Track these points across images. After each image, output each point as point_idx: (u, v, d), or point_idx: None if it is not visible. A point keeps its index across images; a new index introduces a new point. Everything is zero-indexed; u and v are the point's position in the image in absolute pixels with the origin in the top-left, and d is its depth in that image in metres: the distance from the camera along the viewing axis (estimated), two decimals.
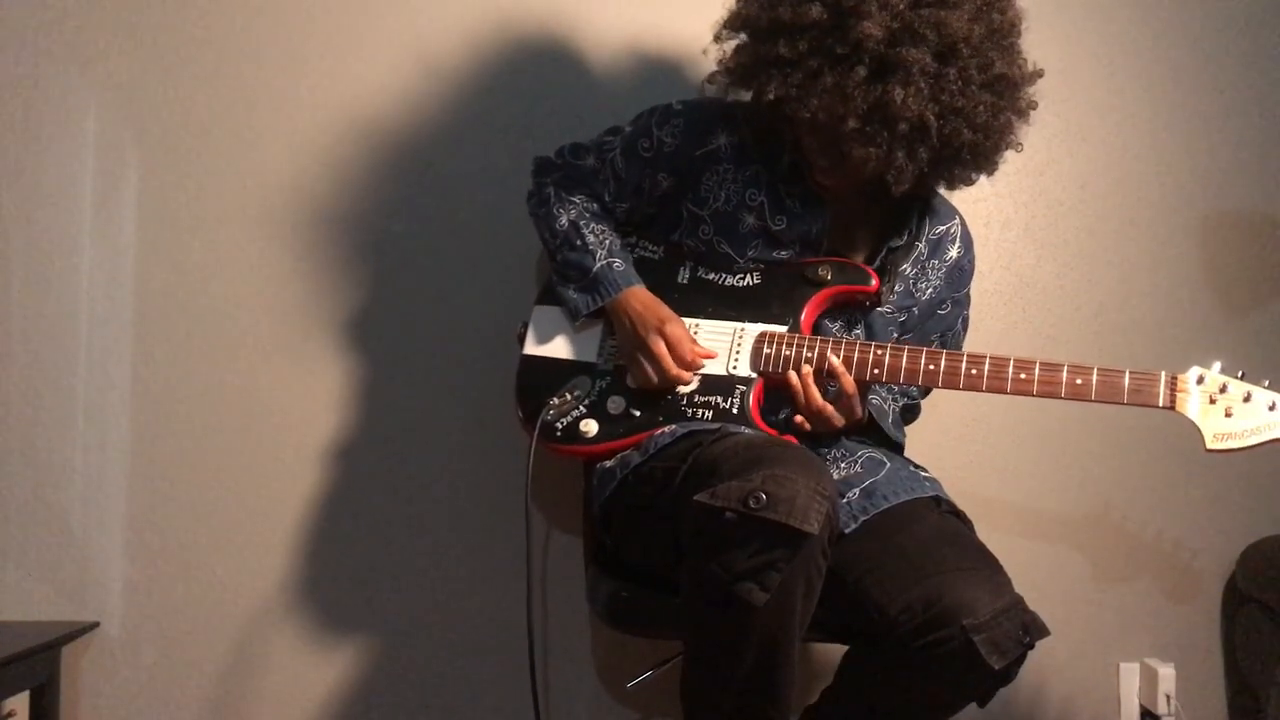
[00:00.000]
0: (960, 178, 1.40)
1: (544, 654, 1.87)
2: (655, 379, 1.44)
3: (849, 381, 1.39)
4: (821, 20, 1.28)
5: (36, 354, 1.81)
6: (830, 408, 1.40)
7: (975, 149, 1.34)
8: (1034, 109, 1.38)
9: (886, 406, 1.54)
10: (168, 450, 1.83)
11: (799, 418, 1.42)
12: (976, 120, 1.31)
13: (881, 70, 1.28)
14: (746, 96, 1.45)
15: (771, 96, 1.32)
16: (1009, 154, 1.89)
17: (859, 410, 1.43)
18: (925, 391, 1.67)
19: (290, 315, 1.85)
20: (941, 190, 1.51)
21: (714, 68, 1.45)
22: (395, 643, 1.86)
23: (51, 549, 1.80)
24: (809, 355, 1.42)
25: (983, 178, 1.43)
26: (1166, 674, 1.93)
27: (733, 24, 1.41)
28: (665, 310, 1.47)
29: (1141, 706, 1.97)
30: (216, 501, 1.83)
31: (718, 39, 1.44)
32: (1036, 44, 1.40)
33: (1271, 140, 2.03)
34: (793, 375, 1.41)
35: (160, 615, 1.82)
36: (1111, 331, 2.00)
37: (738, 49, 1.40)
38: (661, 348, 1.43)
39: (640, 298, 1.48)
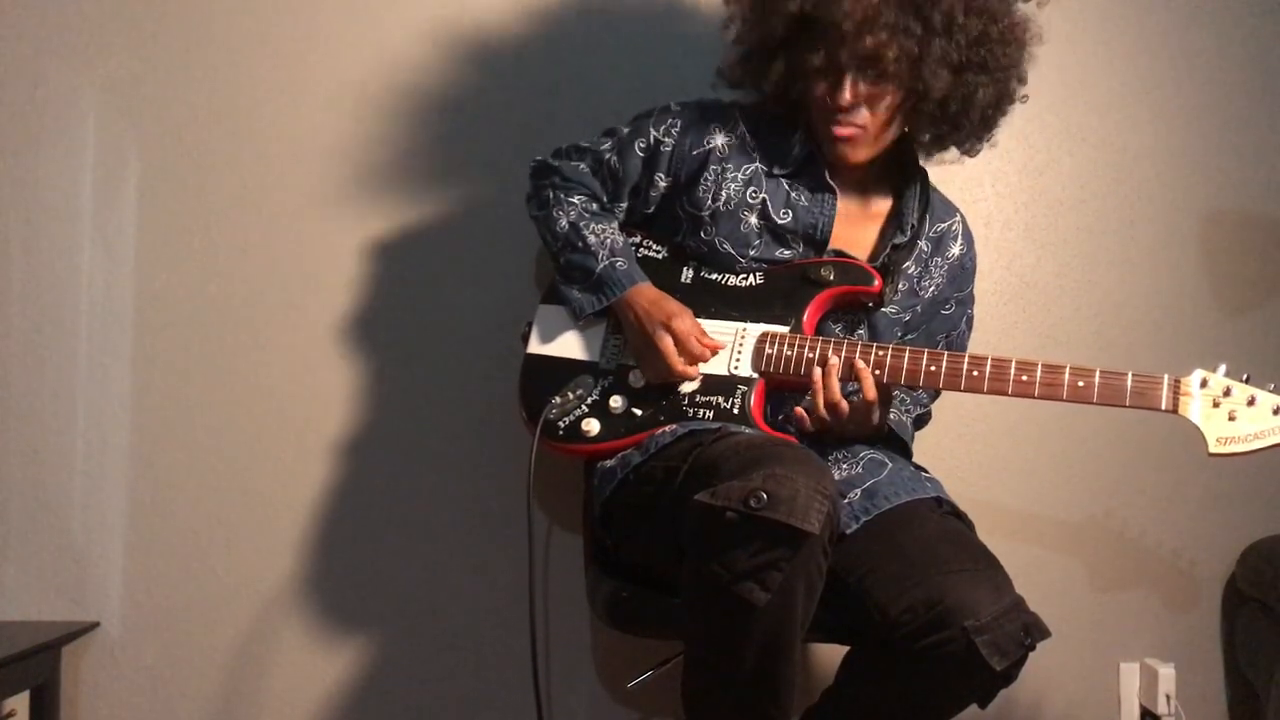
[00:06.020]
0: (989, 119, 1.44)
1: (545, 653, 1.86)
2: (662, 375, 1.44)
3: (870, 386, 1.38)
4: None
5: (37, 354, 1.81)
6: (845, 406, 1.38)
7: (1003, 61, 1.39)
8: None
9: (906, 420, 1.53)
10: (168, 450, 1.82)
11: (799, 410, 1.42)
12: (999, 18, 1.37)
13: None
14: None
15: (809, 8, 1.34)
16: (1009, 155, 1.88)
17: (875, 418, 1.42)
18: (934, 396, 1.67)
19: (290, 315, 1.84)
20: (965, 158, 1.52)
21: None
22: (396, 642, 1.85)
23: (51, 549, 1.80)
24: (810, 356, 1.42)
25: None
26: (1166, 674, 1.93)
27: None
28: (673, 305, 1.46)
29: (1141, 706, 1.97)
30: (217, 501, 1.83)
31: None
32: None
33: (1271, 140, 2.03)
34: (817, 371, 1.39)
35: (160, 615, 1.82)
36: (1111, 331, 2.00)
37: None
38: (668, 344, 1.43)
39: (647, 295, 1.48)
